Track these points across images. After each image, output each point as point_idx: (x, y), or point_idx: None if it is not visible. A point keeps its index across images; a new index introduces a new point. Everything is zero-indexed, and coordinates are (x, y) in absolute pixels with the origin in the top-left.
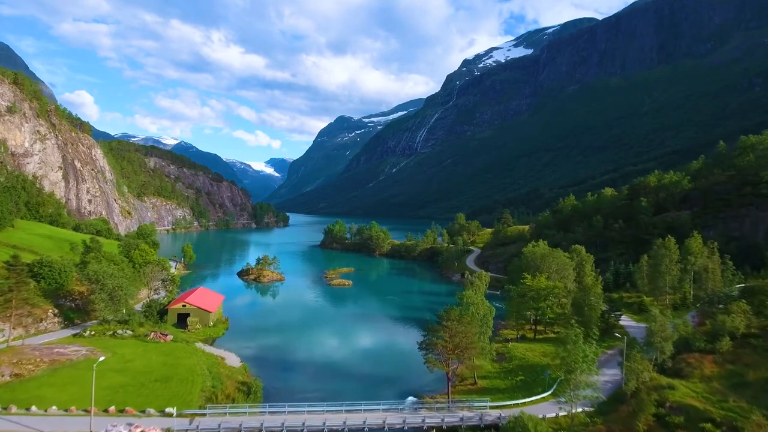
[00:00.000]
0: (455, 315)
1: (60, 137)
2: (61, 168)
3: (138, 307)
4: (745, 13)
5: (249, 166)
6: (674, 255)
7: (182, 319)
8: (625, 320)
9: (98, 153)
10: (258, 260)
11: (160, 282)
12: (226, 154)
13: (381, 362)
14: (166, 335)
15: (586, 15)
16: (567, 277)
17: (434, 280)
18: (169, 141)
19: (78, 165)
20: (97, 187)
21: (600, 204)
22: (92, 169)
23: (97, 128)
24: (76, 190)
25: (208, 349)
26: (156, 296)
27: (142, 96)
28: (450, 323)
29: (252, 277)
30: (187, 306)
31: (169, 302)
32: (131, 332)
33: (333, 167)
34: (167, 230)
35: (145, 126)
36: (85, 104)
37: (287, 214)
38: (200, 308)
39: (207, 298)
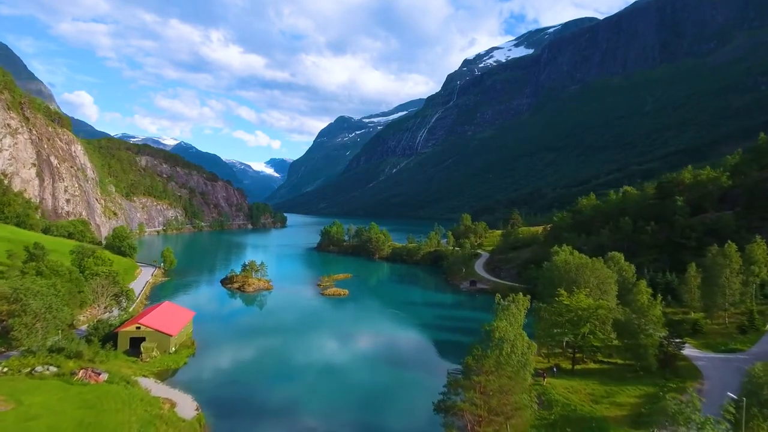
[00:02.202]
0: (491, 365)
1: (34, 132)
2: (34, 165)
3: (82, 329)
4: (748, 12)
5: (249, 166)
6: (735, 264)
7: (137, 344)
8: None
9: (78, 149)
10: (244, 266)
11: (112, 298)
12: (226, 155)
13: (379, 405)
14: (99, 373)
15: (586, 14)
16: (608, 292)
17: (439, 288)
18: (169, 141)
19: (54, 162)
20: (76, 185)
21: (626, 204)
22: (71, 167)
23: (96, 128)
24: (52, 189)
25: (157, 389)
26: (109, 315)
27: (141, 96)
28: (484, 379)
29: (236, 285)
30: (142, 328)
31: (122, 323)
32: (56, 368)
33: (333, 167)
34: (158, 231)
35: (144, 126)
36: (84, 104)
37: (286, 214)
38: (158, 331)
39: (169, 316)
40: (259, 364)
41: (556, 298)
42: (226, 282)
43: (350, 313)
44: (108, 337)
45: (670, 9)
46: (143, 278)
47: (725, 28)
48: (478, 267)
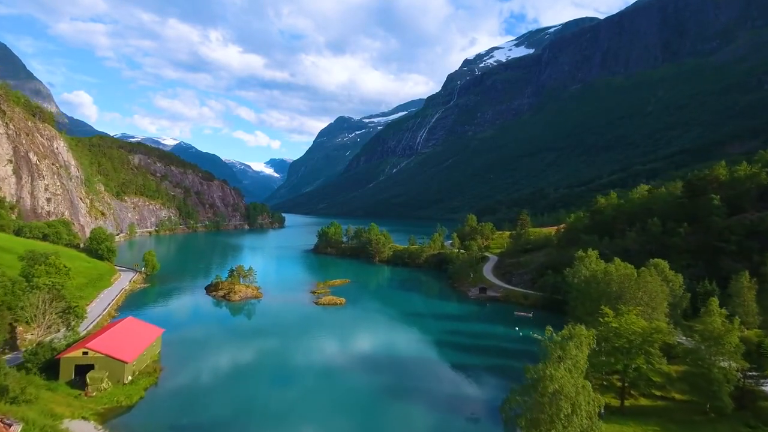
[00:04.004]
0: None
1: (12, 126)
2: (11, 161)
3: (14, 356)
4: (750, 11)
5: (249, 166)
6: None
7: (84, 373)
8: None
9: (61, 146)
10: (231, 271)
11: (58, 314)
12: (226, 155)
13: None
14: (11, 424)
15: (586, 14)
16: (657, 309)
17: (445, 296)
18: (169, 141)
19: (34, 159)
20: (58, 184)
21: (652, 203)
22: (52, 164)
23: (96, 128)
24: (31, 188)
25: None
26: (53, 336)
27: (140, 96)
28: None
29: (221, 293)
30: (90, 353)
31: (69, 346)
32: None
33: (333, 168)
34: (150, 232)
35: (144, 126)
36: (83, 104)
37: (285, 214)
38: (109, 356)
39: (129, 336)
40: (232, 399)
41: (600, 319)
42: (211, 289)
43: (346, 326)
44: (51, 365)
45: (672, 8)
46: (119, 285)
47: (728, 28)
48: (487, 272)
